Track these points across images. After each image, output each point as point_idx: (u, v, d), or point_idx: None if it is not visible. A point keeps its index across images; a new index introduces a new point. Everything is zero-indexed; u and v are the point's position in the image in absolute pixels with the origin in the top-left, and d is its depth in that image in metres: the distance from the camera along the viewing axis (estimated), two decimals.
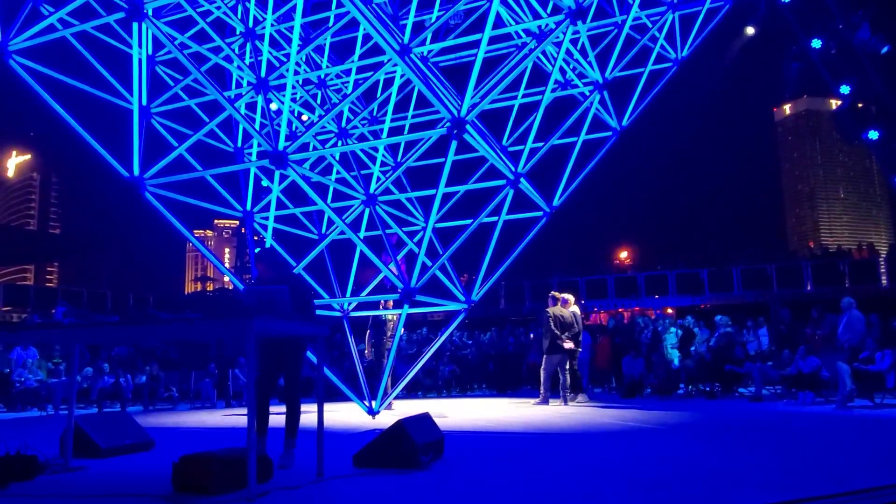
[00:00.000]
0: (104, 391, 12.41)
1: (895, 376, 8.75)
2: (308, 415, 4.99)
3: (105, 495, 4.03)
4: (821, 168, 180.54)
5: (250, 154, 11.18)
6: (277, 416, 5.21)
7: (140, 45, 8.89)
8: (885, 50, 12.14)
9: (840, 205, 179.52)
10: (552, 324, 10.24)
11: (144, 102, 9.69)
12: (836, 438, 5.97)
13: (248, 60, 10.98)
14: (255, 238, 11.59)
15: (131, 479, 4.54)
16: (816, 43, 12.30)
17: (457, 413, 9.28)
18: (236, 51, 11.03)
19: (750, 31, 13.49)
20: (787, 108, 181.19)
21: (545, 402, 10.12)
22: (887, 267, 20.79)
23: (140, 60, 8.99)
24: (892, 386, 8.88)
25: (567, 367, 10.29)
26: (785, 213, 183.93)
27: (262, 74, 9.50)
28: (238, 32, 11.14)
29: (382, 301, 10.78)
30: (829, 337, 10.29)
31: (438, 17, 9.30)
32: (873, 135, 12.27)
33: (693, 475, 4.17)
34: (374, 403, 8.72)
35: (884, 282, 20.17)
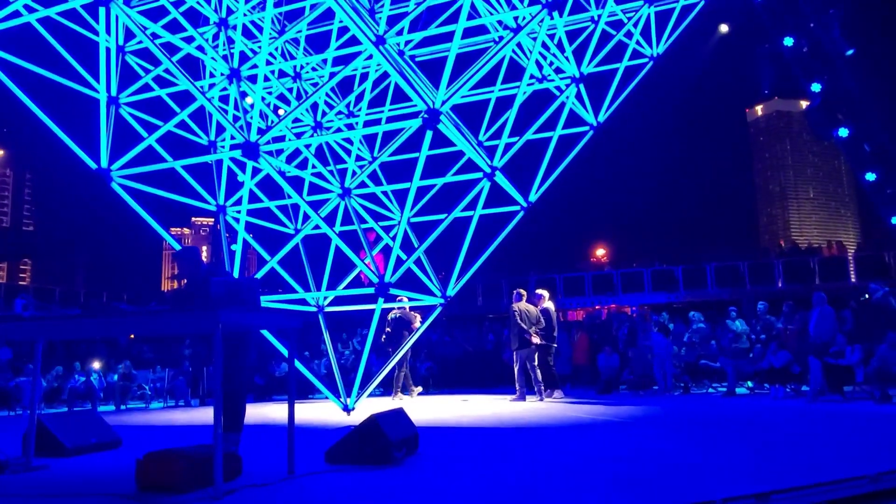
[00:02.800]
0: (75, 390, 12.11)
1: (864, 370, 8.89)
2: (280, 411, 4.88)
3: (65, 495, 3.88)
4: (791, 168, 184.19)
5: (224, 147, 10.99)
6: (253, 413, 5.09)
7: (108, 32, 8.66)
8: (849, 52, 12.36)
9: (810, 204, 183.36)
10: (517, 318, 10.25)
11: (114, 93, 9.46)
12: (808, 431, 6.03)
13: (221, 51, 10.78)
14: (227, 236, 11.40)
15: (95, 478, 4.40)
16: (788, 41, 12.46)
17: (433, 410, 9.22)
18: (209, 41, 10.81)
19: (724, 28, 13.64)
20: (758, 109, 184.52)
21: (522, 398, 10.11)
22: (855, 264, 21.25)
23: (108, 49, 8.76)
24: (862, 379, 9.03)
25: (536, 361, 10.29)
26: (757, 211, 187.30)
27: (235, 65, 9.33)
28: (211, 22, 10.93)
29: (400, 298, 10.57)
30: (800, 332, 10.43)
31: (414, 9, 9.21)
32: (843, 132, 12.48)
33: (669, 469, 4.16)
34: (349, 400, 8.62)
35: (852, 278, 20.60)
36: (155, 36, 9.79)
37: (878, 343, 8.72)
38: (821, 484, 3.44)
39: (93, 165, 8.80)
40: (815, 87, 12.35)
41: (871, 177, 14.25)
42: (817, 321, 10.05)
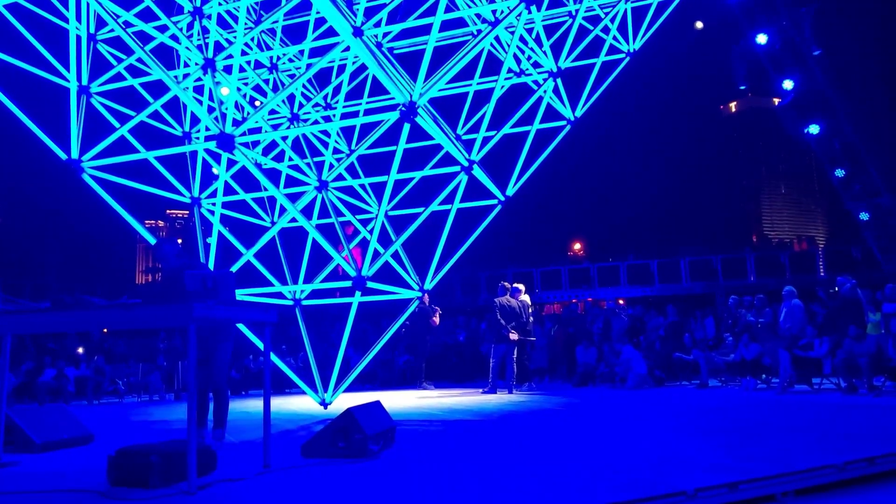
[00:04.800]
0: (45, 385, 11.88)
1: (832, 362, 9.11)
2: (256, 405, 4.85)
3: (36, 491, 3.81)
4: (763, 164, 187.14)
5: (198, 138, 10.82)
6: (229, 408, 5.04)
7: (79, 20, 8.46)
8: (816, 53, 12.57)
9: (781, 200, 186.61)
10: (497, 313, 10.33)
11: (85, 82, 9.25)
12: (777, 422, 6.16)
13: (196, 41, 10.58)
14: (202, 228, 11.24)
15: (66, 474, 4.32)
16: (762, 38, 12.64)
17: (410, 402, 9.23)
18: (184, 30, 10.61)
19: (699, 25, 13.80)
20: (732, 106, 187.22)
21: (493, 390, 10.18)
22: (824, 258, 21.75)
23: (79, 37, 8.55)
24: (829, 371, 9.25)
25: (514, 356, 10.36)
26: (731, 206, 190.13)
27: (210, 55, 9.18)
28: (186, 11, 10.72)
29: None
30: (770, 325, 10.63)
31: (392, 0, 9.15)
32: (814, 129, 12.71)
33: (643, 459, 4.22)
34: (326, 394, 8.58)
35: (821, 273, 21.06)
36: (127, 24, 9.59)
37: (846, 335, 8.94)
38: (790, 473, 3.52)
39: (63, 156, 8.61)
40: (788, 85, 12.57)
41: (840, 173, 14.55)
42: (787, 314, 10.25)
